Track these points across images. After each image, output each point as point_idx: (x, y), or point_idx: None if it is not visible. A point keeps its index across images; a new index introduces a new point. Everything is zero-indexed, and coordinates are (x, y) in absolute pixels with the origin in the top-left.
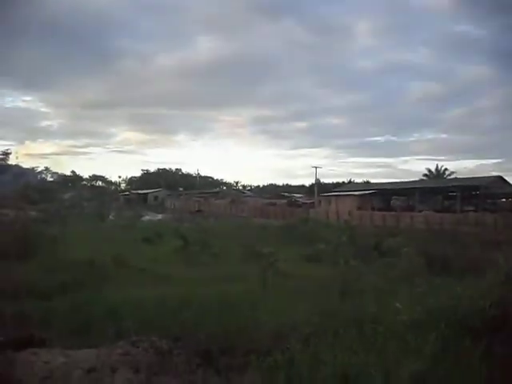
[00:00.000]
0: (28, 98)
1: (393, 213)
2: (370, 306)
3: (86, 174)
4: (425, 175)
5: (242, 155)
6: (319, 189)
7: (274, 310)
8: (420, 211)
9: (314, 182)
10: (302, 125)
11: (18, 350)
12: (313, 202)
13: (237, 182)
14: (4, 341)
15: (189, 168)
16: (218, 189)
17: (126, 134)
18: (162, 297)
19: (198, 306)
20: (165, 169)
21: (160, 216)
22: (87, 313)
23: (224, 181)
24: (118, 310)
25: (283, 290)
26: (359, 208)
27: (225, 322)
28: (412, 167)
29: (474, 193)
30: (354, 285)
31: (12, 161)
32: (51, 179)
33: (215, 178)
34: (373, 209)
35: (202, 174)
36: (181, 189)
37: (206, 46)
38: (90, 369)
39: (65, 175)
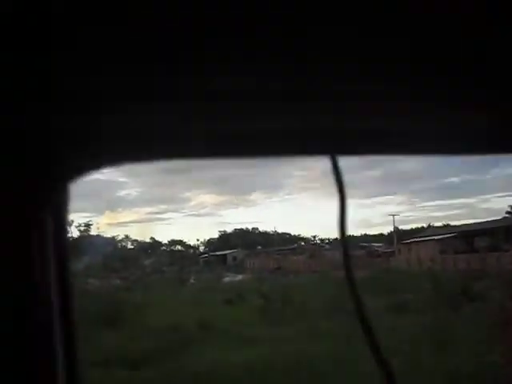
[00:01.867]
0: (107, 170)
1: (477, 254)
2: (464, 362)
3: (164, 240)
4: (508, 213)
5: (317, 209)
6: (398, 236)
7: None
8: (506, 251)
9: (392, 230)
10: (374, 173)
11: None
12: (393, 251)
13: (314, 237)
14: None
15: (265, 226)
16: (295, 245)
17: (201, 197)
18: (251, 358)
19: (284, 370)
20: (242, 228)
21: (240, 276)
22: (176, 379)
23: (301, 236)
24: (211, 375)
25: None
26: (441, 252)
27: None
28: (493, 205)
29: None
30: (445, 336)
31: (93, 231)
32: (131, 247)
33: (292, 234)
34: (456, 252)
35: (279, 230)
36: (259, 247)
37: None
38: None
39: (144, 242)
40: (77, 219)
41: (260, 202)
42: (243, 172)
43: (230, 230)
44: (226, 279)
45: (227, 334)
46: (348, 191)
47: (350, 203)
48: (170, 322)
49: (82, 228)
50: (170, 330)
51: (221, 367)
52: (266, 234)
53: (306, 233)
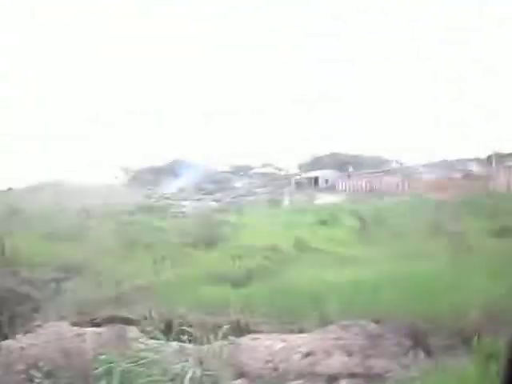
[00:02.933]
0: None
1: None
2: None
3: (256, 162)
4: None
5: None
6: (497, 160)
7: (469, 289)
8: None
9: (491, 153)
10: None
11: (241, 335)
12: (491, 175)
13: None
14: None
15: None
16: (388, 167)
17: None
18: (354, 279)
19: (393, 288)
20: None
21: (333, 197)
22: (284, 297)
23: (394, 159)
24: (314, 294)
25: (474, 268)
26: None
27: (424, 302)
28: None
29: None
30: None
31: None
32: (224, 169)
33: (385, 157)
34: None
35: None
36: (350, 169)
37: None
38: (307, 353)
39: (236, 165)
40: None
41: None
42: None
43: (321, 152)
44: (319, 200)
45: (324, 253)
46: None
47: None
48: (267, 242)
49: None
50: (268, 249)
51: (319, 285)
52: (358, 155)
53: (400, 156)
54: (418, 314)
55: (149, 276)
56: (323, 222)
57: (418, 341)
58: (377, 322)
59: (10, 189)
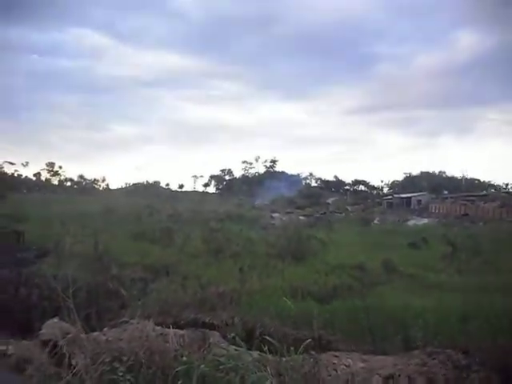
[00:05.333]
0: (292, 108)
1: None
2: None
3: (348, 179)
4: None
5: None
6: None
7: None
8: None
9: None
10: None
11: (321, 351)
12: None
13: (506, 185)
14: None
15: (453, 170)
16: (485, 192)
17: (387, 138)
18: (441, 306)
19: (482, 318)
20: (427, 172)
21: (425, 220)
22: (367, 318)
23: (492, 183)
24: (399, 318)
25: None
26: None
27: None
28: None
29: None
30: None
31: (278, 168)
32: (315, 184)
33: (482, 181)
34: None
35: (468, 176)
36: (445, 192)
37: (464, 42)
38: (387, 376)
39: (328, 180)
40: (263, 155)
41: (448, 144)
42: (433, 113)
43: (415, 172)
44: (411, 222)
45: (411, 277)
46: None
47: None
48: (355, 260)
49: (267, 164)
50: (354, 268)
51: (404, 309)
52: (453, 178)
53: (498, 180)
54: (509, 349)
55: (234, 284)
56: (413, 245)
57: (509, 377)
58: (464, 352)
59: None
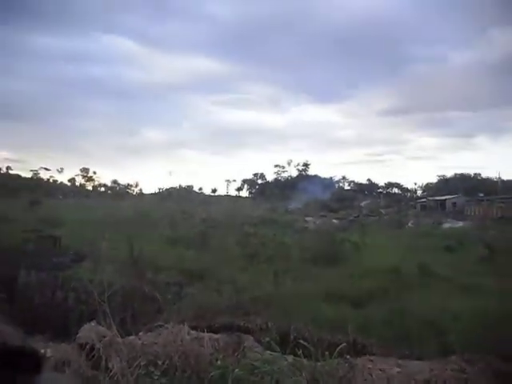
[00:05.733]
0: (325, 110)
1: None
2: None
3: (381, 182)
4: None
5: None
6: None
7: None
8: None
9: None
10: None
11: (356, 355)
12: None
13: None
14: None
15: (489, 172)
16: None
17: (421, 140)
18: (478, 309)
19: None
20: (462, 174)
21: (460, 223)
22: (403, 322)
23: None
24: (435, 322)
25: None
26: None
27: None
28: None
29: None
30: None
31: (311, 171)
32: (348, 187)
33: None
34: None
35: (505, 177)
36: (481, 194)
37: (499, 40)
38: (424, 381)
39: (361, 183)
40: (296, 158)
41: (484, 145)
42: (468, 114)
43: (449, 174)
44: (446, 225)
45: (448, 280)
46: None
47: None
48: (389, 263)
49: (300, 167)
50: (389, 271)
51: (440, 313)
52: (489, 180)
53: None
54: None
55: (268, 288)
56: (448, 248)
57: None
58: (505, 359)
59: (141, 194)
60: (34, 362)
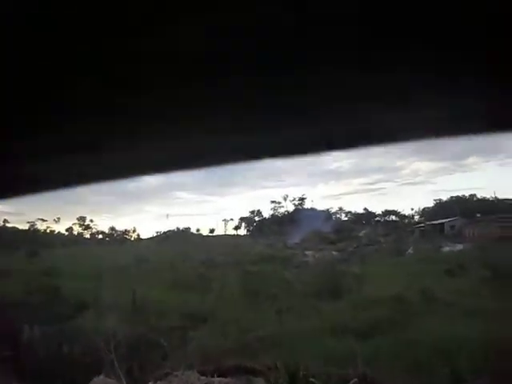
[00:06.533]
0: None
1: None
2: None
3: (378, 210)
4: None
5: None
6: None
7: None
8: None
9: None
10: None
11: None
12: None
13: None
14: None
15: (484, 192)
16: None
17: (414, 165)
18: (485, 334)
19: None
20: (458, 196)
21: (460, 246)
22: (411, 351)
23: None
24: (443, 349)
25: None
26: None
27: None
28: None
29: None
30: None
31: (308, 204)
32: (345, 218)
33: None
34: None
35: (500, 196)
36: (478, 215)
37: None
38: None
39: (358, 213)
40: (291, 193)
41: (477, 166)
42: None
43: (445, 197)
44: (445, 249)
45: (452, 305)
46: None
47: None
48: (392, 292)
49: (296, 202)
50: (393, 300)
51: (447, 340)
52: (485, 200)
53: None
54: None
55: (273, 327)
56: (450, 272)
57: None
58: None
59: (139, 239)
60: None
